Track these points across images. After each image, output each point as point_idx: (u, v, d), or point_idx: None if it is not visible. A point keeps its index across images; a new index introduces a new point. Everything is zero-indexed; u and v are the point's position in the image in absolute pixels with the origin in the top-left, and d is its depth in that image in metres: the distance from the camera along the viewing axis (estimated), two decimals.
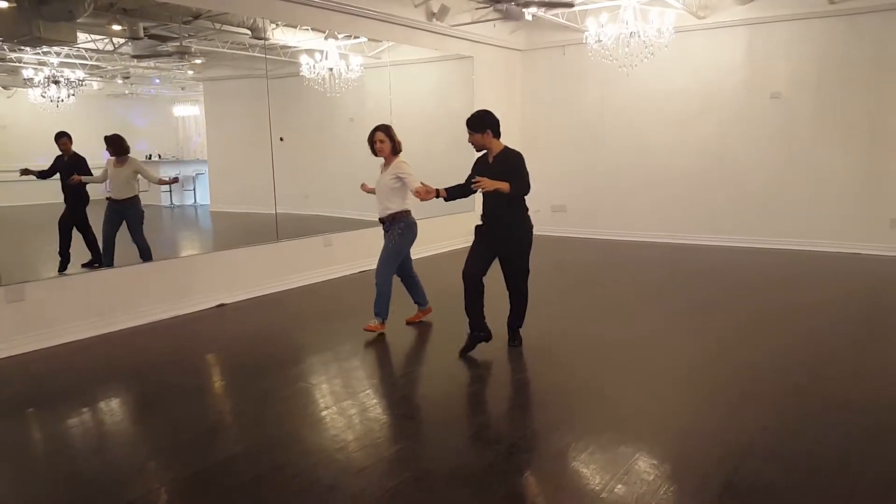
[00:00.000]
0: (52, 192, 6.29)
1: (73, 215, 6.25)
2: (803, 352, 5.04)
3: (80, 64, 6.92)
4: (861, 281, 7.47)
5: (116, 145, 6.41)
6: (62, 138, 6.12)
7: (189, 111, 9.60)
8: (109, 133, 6.44)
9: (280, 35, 7.70)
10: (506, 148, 4.80)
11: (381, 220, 5.47)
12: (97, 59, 7.16)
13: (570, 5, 8.41)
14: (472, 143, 4.82)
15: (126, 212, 6.46)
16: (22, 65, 6.59)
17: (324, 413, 4.04)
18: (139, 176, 6.56)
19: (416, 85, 9.75)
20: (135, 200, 6.55)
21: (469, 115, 4.82)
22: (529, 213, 4.87)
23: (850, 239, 8.75)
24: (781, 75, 8.97)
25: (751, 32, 9.08)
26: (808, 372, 4.60)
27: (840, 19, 8.49)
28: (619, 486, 3.03)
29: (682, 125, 9.74)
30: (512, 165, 4.68)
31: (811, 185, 8.94)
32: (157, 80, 8.69)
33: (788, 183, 9.09)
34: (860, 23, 8.39)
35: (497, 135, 4.78)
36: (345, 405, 4.09)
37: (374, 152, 5.43)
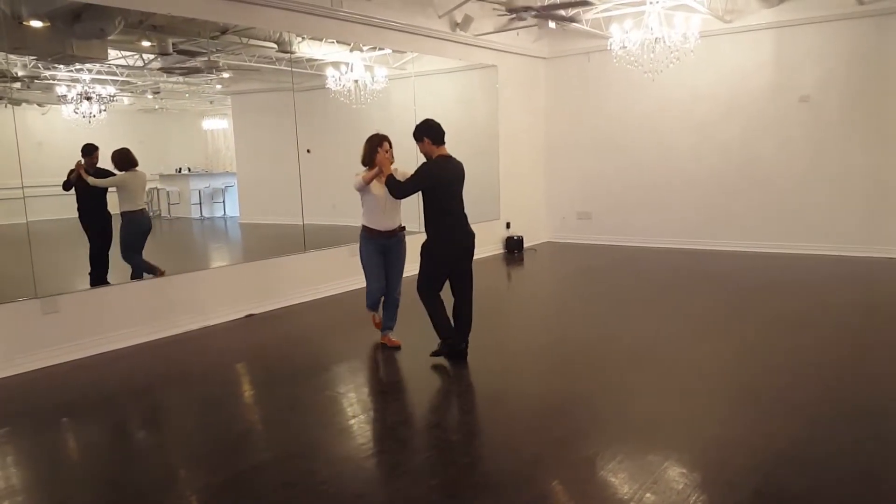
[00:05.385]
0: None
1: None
2: (832, 357, 4.95)
3: (112, 80, 7.08)
4: (892, 284, 7.31)
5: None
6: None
7: (218, 124, 9.76)
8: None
9: (306, 48, 7.80)
10: (439, 155, 4.90)
11: (391, 232, 5.24)
12: (128, 75, 7.32)
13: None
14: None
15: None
16: (56, 82, 6.77)
17: (352, 422, 4.07)
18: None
19: (440, 95, 9.79)
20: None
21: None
22: (447, 231, 4.83)
23: (880, 243, 8.57)
24: (809, 78, 8.84)
25: (778, 35, 8.97)
26: (838, 377, 4.52)
27: (869, 20, 8.35)
28: (649, 494, 3.00)
29: (708, 130, 9.64)
30: None
31: (840, 188, 8.79)
32: (187, 95, 8.86)
33: (816, 187, 8.94)
34: (889, 23, 8.24)
35: (435, 142, 4.91)
36: (372, 414, 4.12)
37: (371, 162, 5.12)
